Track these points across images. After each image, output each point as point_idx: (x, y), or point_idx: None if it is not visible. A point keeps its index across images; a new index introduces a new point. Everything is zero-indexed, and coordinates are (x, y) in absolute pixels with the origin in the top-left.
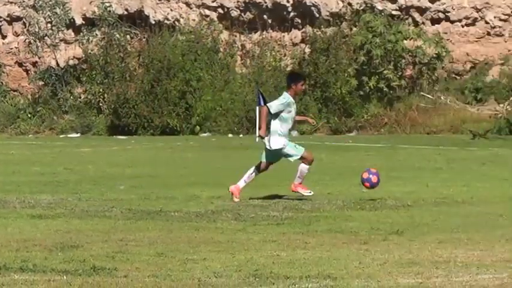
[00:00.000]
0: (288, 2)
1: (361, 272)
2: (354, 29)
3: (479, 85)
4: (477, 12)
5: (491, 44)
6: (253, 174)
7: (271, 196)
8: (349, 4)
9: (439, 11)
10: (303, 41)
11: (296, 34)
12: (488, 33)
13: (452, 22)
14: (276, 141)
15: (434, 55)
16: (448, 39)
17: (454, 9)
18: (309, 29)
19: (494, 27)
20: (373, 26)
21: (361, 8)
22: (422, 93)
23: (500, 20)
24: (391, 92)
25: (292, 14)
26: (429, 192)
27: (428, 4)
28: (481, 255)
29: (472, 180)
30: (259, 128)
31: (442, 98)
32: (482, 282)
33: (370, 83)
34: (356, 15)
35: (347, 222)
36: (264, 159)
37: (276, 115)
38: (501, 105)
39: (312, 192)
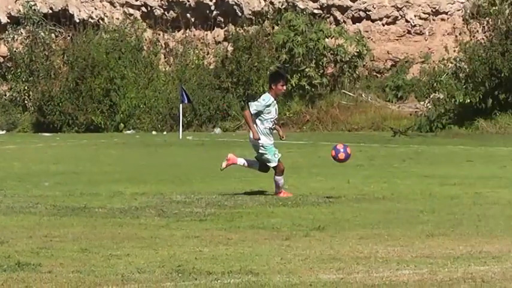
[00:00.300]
0: (210, 1)
1: (283, 268)
2: (276, 27)
3: (400, 83)
4: (398, 11)
5: (411, 42)
6: (253, 167)
7: (194, 192)
8: (271, 3)
9: (360, 10)
10: (225, 39)
11: (219, 33)
12: (409, 32)
13: (373, 21)
14: (262, 139)
15: (356, 53)
16: (369, 38)
17: (374, 8)
18: (231, 27)
19: (414, 26)
20: (295, 25)
21: (283, 6)
22: (343, 91)
23: (421, 18)
24: (313, 89)
25: (215, 12)
26: (350, 189)
27: (350, 3)
28: (401, 251)
29: (392, 177)
30: (252, 132)
31: (363, 95)
32: (403, 277)
33: (292, 80)
34: (278, 14)
35: (269, 219)
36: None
37: (257, 115)
38: (421, 102)
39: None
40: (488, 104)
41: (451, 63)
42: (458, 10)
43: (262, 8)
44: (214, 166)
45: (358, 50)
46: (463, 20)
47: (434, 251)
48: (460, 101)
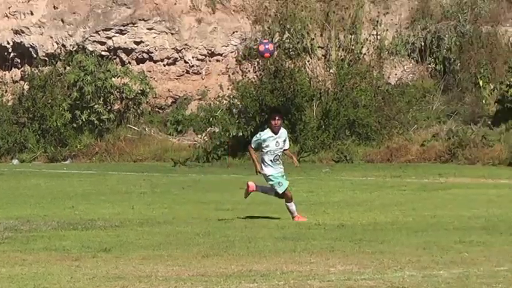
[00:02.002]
0: (8, 43)
1: (73, 286)
2: (68, 67)
3: (180, 118)
4: (177, 52)
5: (190, 81)
6: (270, 193)
7: None
8: (63, 45)
9: (143, 52)
10: (22, 78)
11: (16, 72)
12: (187, 72)
13: (155, 62)
14: (267, 170)
15: (140, 91)
16: (151, 77)
17: (156, 50)
18: (27, 68)
19: (192, 66)
20: (85, 65)
21: (74, 49)
22: (129, 125)
23: (198, 59)
24: (101, 124)
25: (12, 54)
26: (134, 214)
27: (134, 46)
28: (180, 270)
29: (173, 203)
30: (254, 165)
31: (146, 129)
32: None
33: (82, 116)
34: (69, 55)
35: (61, 241)
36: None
37: (258, 148)
38: (199, 136)
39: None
40: None
41: (226, 100)
42: (232, 52)
43: (55, 50)
44: (11, 194)
45: (142, 88)
46: (236, 61)
47: (209, 270)
48: (234, 134)
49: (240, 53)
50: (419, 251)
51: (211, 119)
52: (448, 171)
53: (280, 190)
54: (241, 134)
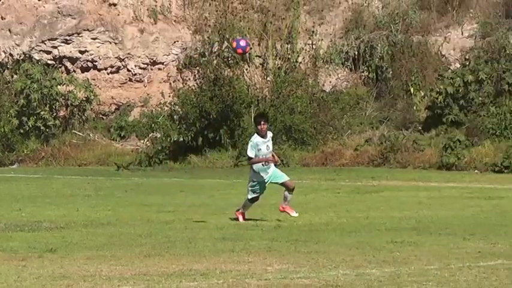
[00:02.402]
0: None
1: (19, 285)
2: (15, 76)
3: (123, 124)
4: (120, 61)
5: (132, 88)
6: (248, 204)
7: None
8: (11, 54)
9: (88, 61)
10: None
11: None
12: (130, 80)
13: (99, 70)
14: (257, 176)
15: (84, 98)
16: (96, 85)
17: (100, 59)
18: None
19: (135, 74)
20: (32, 74)
21: (21, 58)
22: (74, 131)
23: (140, 68)
24: (47, 130)
25: None
26: (79, 216)
27: (79, 55)
28: (122, 269)
29: (116, 205)
30: (266, 161)
31: (91, 135)
32: None
33: (29, 122)
34: (16, 64)
35: (8, 242)
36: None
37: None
38: (141, 141)
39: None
40: (199, 142)
41: (167, 106)
42: (173, 61)
43: (3, 59)
44: None
45: (86, 96)
46: (176, 69)
47: (151, 269)
48: (175, 139)
49: (181, 61)
50: (353, 251)
51: (153, 125)
52: (381, 174)
53: (250, 195)
54: (182, 139)
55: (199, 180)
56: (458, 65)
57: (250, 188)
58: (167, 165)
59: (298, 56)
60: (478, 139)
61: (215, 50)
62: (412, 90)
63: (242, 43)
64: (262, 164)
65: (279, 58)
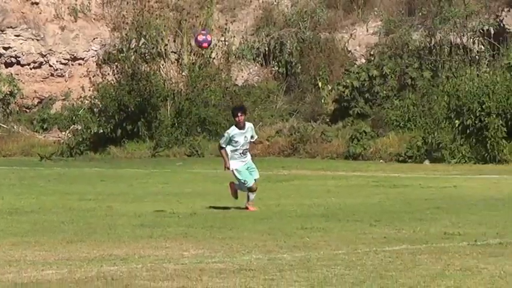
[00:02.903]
0: None
1: None
2: None
3: (46, 117)
4: (43, 57)
5: (54, 83)
6: (244, 189)
7: None
8: None
9: (11, 56)
10: None
11: None
12: (52, 75)
13: (22, 65)
14: (233, 163)
15: (8, 92)
16: (19, 80)
17: (23, 55)
18: None
19: (56, 70)
20: None
21: None
22: None
23: (61, 63)
24: None
25: None
26: (4, 204)
27: (2, 51)
28: (46, 255)
29: (40, 194)
30: (224, 162)
31: (15, 127)
32: (47, 277)
33: None
34: None
35: None
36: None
37: (228, 144)
38: (63, 133)
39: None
40: (118, 134)
41: (87, 100)
42: (93, 57)
43: None
44: None
45: (10, 90)
46: (96, 64)
47: (73, 255)
48: (95, 131)
49: (100, 57)
50: (265, 237)
51: (74, 117)
52: (291, 164)
53: (248, 183)
54: (101, 131)
55: (118, 170)
56: (363, 61)
57: (235, 175)
58: (88, 155)
59: (212, 52)
60: (383, 130)
61: (133, 47)
62: (320, 84)
63: (208, 37)
64: (241, 153)
65: (194, 54)
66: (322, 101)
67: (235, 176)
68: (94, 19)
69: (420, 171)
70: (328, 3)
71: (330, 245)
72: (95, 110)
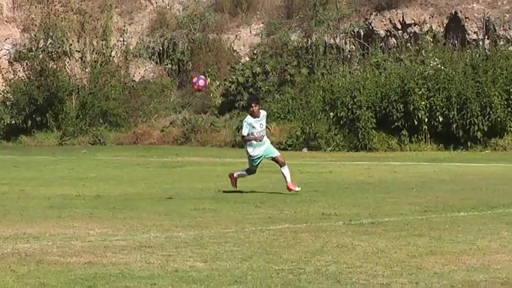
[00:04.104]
0: None
1: None
2: None
3: None
4: None
5: None
6: (245, 174)
7: None
8: None
9: None
10: None
11: None
12: None
13: None
14: (251, 151)
15: None
16: None
17: None
18: None
19: None
20: None
21: None
22: None
23: None
24: None
25: None
26: None
27: None
28: None
29: None
30: (255, 140)
31: None
32: None
33: None
34: None
35: None
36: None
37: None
38: None
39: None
40: (28, 124)
41: (0, 94)
42: (5, 55)
43: None
44: None
45: None
46: (8, 62)
47: None
48: (8, 122)
49: (12, 56)
50: (162, 217)
51: None
52: (184, 152)
53: (274, 155)
54: (14, 122)
55: (29, 157)
56: (247, 59)
57: (250, 161)
58: (1, 144)
59: (112, 51)
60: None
61: (41, 46)
62: (209, 80)
63: (200, 82)
64: (256, 141)
65: (96, 53)
66: (211, 95)
67: (252, 162)
68: (6, 21)
69: (299, 158)
70: (216, 8)
71: (220, 224)
72: (7, 103)
